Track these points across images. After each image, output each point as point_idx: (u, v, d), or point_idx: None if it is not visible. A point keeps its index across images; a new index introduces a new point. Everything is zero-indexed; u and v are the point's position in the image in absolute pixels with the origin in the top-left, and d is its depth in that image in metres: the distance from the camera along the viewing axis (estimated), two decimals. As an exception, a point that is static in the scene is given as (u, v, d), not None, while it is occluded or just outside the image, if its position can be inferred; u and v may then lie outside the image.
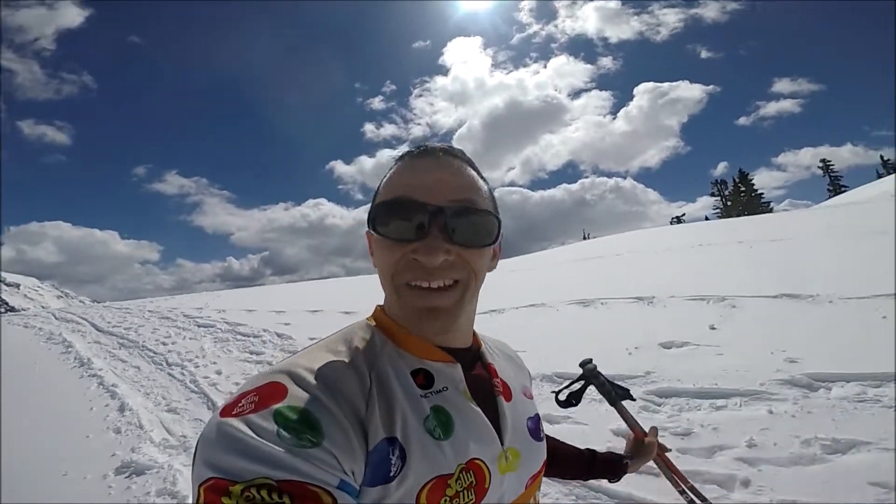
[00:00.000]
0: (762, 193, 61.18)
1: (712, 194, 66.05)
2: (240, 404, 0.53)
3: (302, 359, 0.62)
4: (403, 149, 0.76)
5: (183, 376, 5.61)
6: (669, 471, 1.29)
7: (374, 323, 0.74)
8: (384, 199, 0.66)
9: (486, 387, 0.74)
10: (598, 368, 1.30)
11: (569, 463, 1.09)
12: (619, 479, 1.15)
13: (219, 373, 5.58)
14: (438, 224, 0.63)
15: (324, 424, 0.52)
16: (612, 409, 1.27)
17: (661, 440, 1.27)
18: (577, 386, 1.28)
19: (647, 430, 1.27)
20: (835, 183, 60.60)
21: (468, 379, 0.71)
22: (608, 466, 1.13)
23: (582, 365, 1.30)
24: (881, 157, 64.23)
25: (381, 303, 0.77)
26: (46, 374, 6.50)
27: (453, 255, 0.64)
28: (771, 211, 51.72)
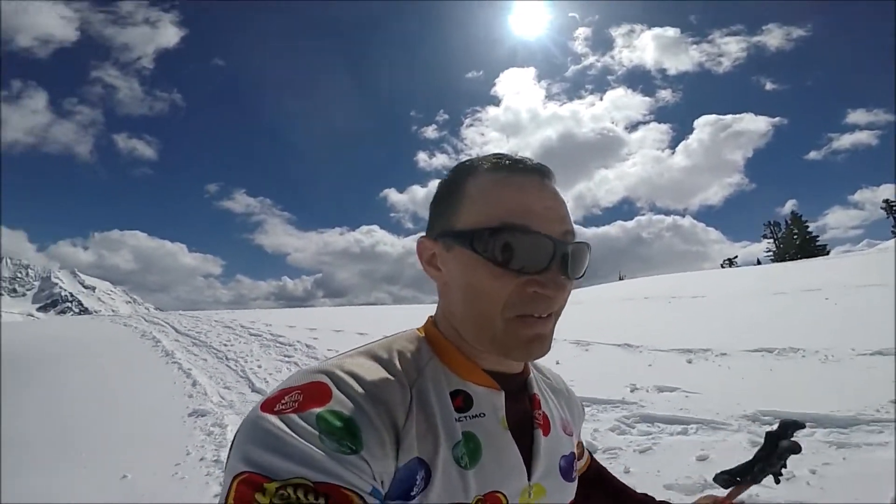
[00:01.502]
0: (817, 236, 58.55)
1: (764, 236, 63.52)
2: (282, 401, 0.53)
3: (347, 361, 0.61)
4: None
5: (236, 367, 7.85)
6: None
7: (423, 335, 0.71)
8: (494, 220, 0.61)
9: (525, 418, 0.72)
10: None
11: (619, 501, 0.98)
12: None
13: (260, 367, 7.77)
14: (560, 259, 0.62)
15: (363, 433, 0.52)
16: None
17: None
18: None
19: None
20: None
21: (509, 407, 0.68)
22: None
23: (785, 429, 0.96)
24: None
25: (435, 314, 0.73)
26: (144, 358, 8.96)
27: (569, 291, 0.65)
28: (827, 254, 49.28)
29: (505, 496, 0.63)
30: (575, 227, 0.68)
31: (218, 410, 5.67)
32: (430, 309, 0.75)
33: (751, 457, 0.95)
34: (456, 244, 0.65)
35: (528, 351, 0.63)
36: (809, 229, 58.64)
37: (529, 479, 0.67)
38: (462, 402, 0.65)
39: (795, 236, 58.83)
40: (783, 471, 0.95)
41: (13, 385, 7.32)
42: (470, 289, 0.64)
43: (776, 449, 0.93)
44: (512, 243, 0.61)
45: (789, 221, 60.84)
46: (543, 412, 0.75)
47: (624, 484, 1.01)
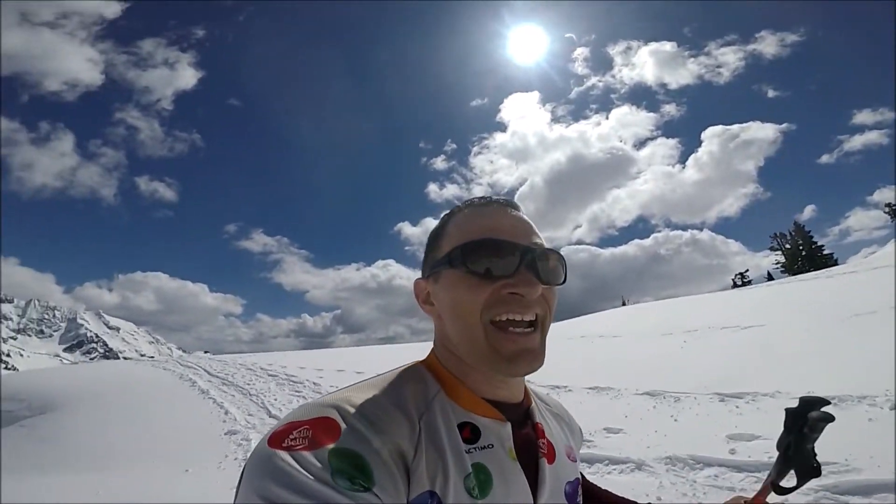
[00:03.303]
0: (822, 246, 56.74)
1: (772, 248, 60.51)
2: (291, 436, 0.55)
3: (354, 395, 0.63)
4: None
5: (257, 400, 10.13)
6: None
7: (426, 367, 0.75)
8: (470, 239, 0.71)
9: (531, 447, 0.74)
10: None
11: None
12: None
13: (276, 399, 10.02)
14: (527, 262, 0.69)
15: (375, 470, 0.54)
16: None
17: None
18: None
19: None
20: None
21: (515, 437, 0.71)
22: None
23: (808, 405, 0.86)
24: None
25: (434, 348, 0.78)
26: (184, 396, 11.34)
27: (540, 291, 0.69)
28: (836, 264, 47.08)
29: None
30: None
31: (244, 430, 7.97)
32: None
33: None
34: (441, 270, 0.73)
35: (514, 364, 0.67)
36: (815, 239, 57.47)
37: None
38: (470, 433, 0.67)
39: (801, 247, 57.53)
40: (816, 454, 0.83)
41: (100, 413, 9.73)
42: (454, 305, 0.70)
43: (806, 421, 0.84)
44: (483, 253, 0.69)
45: (793, 232, 59.02)
46: (548, 440, 0.77)
47: (617, 496, 1.01)
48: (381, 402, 0.63)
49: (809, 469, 0.86)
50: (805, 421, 0.86)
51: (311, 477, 0.50)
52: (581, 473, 0.94)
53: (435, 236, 0.79)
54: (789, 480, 0.88)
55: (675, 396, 6.61)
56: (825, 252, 56.73)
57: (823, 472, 1.11)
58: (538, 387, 1.12)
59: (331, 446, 0.54)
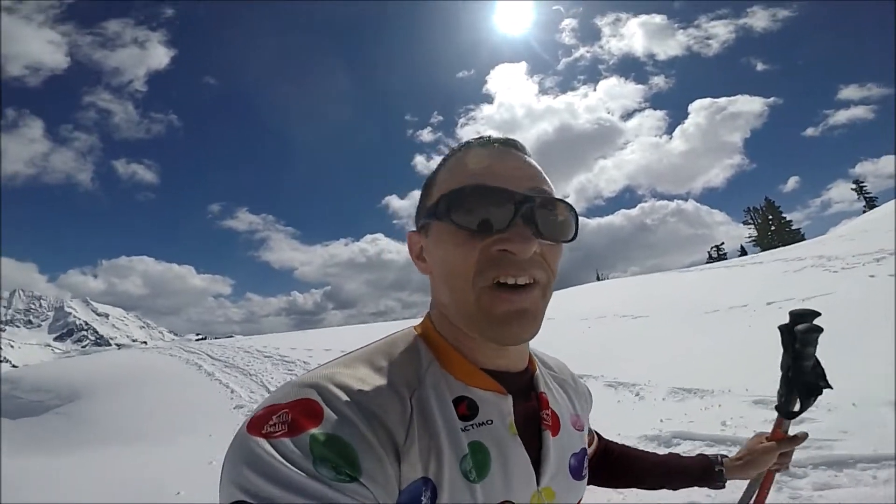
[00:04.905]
0: (790, 222, 59.48)
1: (745, 223, 62.84)
2: (270, 422, 0.51)
3: (339, 372, 0.57)
4: None
5: (256, 379, 11.95)
6: (758, 492, 0.95)
7: (421, 336, 0.67)
8: (456, 186, 0.61)
9: (533, 419, 0.68)
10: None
11: (643, 472, 0.98)
12: (721, 486, 0.97)
13: (272, 378, 11.82)
14: (524, 214, 0.58)
15: (361, 457, 0.49)
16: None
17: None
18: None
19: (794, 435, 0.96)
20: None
21: (516, 410, 0.65)
22: (695, 473, 0.97)
23: (798, 318, 0.86)
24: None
25: (430, 310, 0.70)
26: (192, 378, 13.14)
27: (539, 249, 0.60)
28: (803, 238, 49.37)
29: None
30: (581, 219, 0.64)
31: (249, 405, 9.80)
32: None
33: None
34: (431, 223, 0.63)
35: (506, 329, 0.58)
36: (784, 215, 59.65)
37: (538, 484, 0.63)
38: (466, 409, 0.60)
39: (771, 222, 59.57)
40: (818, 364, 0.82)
41: (124, 397, 11.52)
42: (444, 264, 0.62)
43: (797, 336, 0.83)
44: (470, 203, 0.58)
45: (763, 208, 60.96)
46: (552, 411, 0.71)
47: (639, 450, 0.99)
48: (368, 378, 0.57)
49: (812, 387, 0.83)
50: (795, 336, 0.83)
51: (291, 467, 0.46)
52: (596, 434, 0.95)
53: (428, 182, 0.69)
54: (795, 403, 0.85)
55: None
56: (793, 227, 58.61)
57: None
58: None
59: (312, 431, 0.49)
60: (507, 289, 0.58)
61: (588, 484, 0.84)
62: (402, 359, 0.63)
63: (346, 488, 0.47)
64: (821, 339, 0.86)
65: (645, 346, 8.26)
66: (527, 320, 0.59)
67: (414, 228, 0.72)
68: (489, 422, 0.62)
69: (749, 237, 62.57)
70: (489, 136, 0.68)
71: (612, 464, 0.99)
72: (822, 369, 0.86)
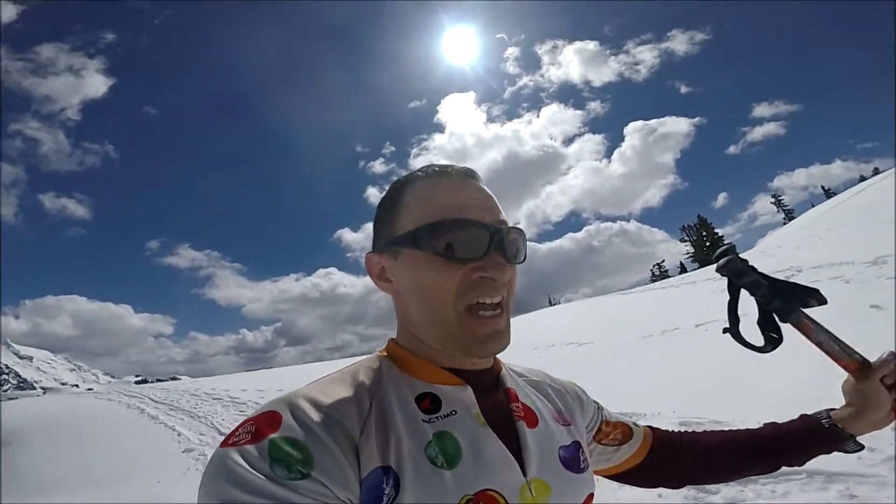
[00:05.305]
0: (722, 237, 63.72)
1: (681, 240, 66.51)
2: (237, 433, 0.55)
3: (305, 389, 0.62)
4: None
5: (205, 421, 11.57)
6: None
7: (384, 354, 0.73)
8: (432, 218, 0.66)
9: (503, 412, 0.70)
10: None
11: (736, 455, 0.88)
12: (847, 449, 0.83)
13: (223, 420, 11.49)
14: (496, 243, 0.66)
15: (314, 453, 0.53)
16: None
17: None
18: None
19: (869, 360, 0.80)
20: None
21: (483, 403, 0.68)
22: (803, 438, 0.84)
23: (723, 255, 0.89)
24: (875, 169, 61.12)
25: (394, 336, 0.75)
26: (135, 423, 12.54)
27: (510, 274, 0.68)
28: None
29: (501, 494, 0.60)
30: (532, 244, 0.70)
31: (199, 447, 9.49)
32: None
33: None
34: (402, 248, 0.68)
35: (485, 347, 0.66)
36: (717, 231, 63.73)
37: (525, 475, 0.64)
38: (430, 403, 0.64)
39: (705, 238, 63.17)
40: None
41: (58, 443, 10.84)
42: (422, 289, 0.67)
43: (733, 282, 0.86)
44: (451, 235, 0.65)
45: (697, 225, 64.79)
46: (523, 404, 0.73)
47: (712, 432, 0.92)
48: (331, 390, 0.62)
49: (785, 308, 0.81)
50: (732, 282, 0.85)
51: (250, 469, 0.50)
52: (649, 428, 0.91)
53: (389, 206, 0.73)
54: (776, 331, 0.83)
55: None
56: (725, 242, 61.50)
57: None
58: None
59: (271, 437, 0.53)
60: (484, 308, 0.66)
61: (650, 486, 0.93)
62: (365, 372, 0.68)
63: (300, 486, 0.50)
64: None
65: (589, 373, 8.65)
66: (500, 338, 0.67)
67: (371, 250, 0.76)
68: (453, 412, 0.65)
69: (686, 254, 66.20)
70: (447, 166, 0.73)
71: (678, 457, 0.90)
72: (782, 283, 0.85)
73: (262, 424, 0.55)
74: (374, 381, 0.66)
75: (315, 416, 0.57)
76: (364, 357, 0.74)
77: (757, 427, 0.90)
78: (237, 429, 0.57)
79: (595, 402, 0.92)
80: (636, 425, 0.92)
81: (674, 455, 0.91)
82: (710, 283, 15.62)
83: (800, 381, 4.95)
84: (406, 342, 0.72)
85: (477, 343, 0.66)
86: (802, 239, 19.84)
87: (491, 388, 0.73)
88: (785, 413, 0.95)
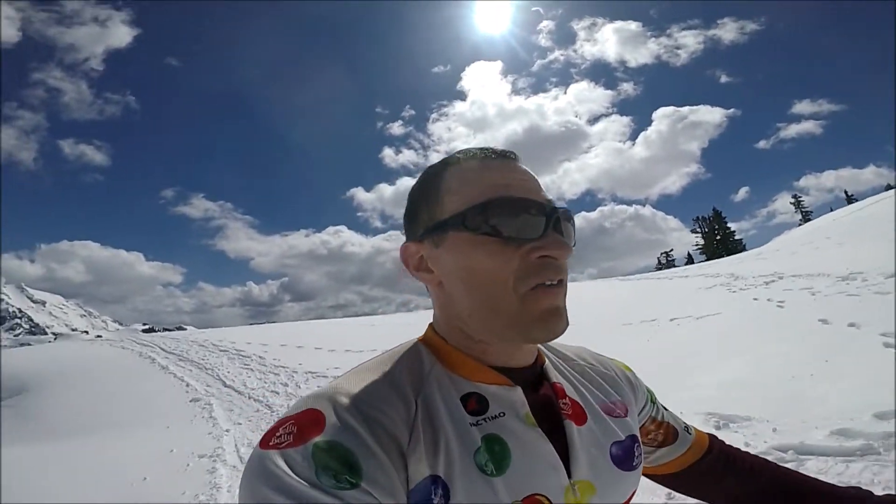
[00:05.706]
0: (734, 231, 63.54)
1: (693, 231, 66.66)
2: (277, 433, 0.53)
3: (345, 383, 0.59)
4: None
5: (212, 373, 12.18)
6: None
7: (423, 343, 0.68)
8: (483, 198, 0.61)
9: (551, 410, 0.66)
10: None
11: (782, 492, 0.78)
12: None
13: (228, 372, 12.07)
14: (554, 223, 0.62)
15: (363, 462, 0.50)
16: None
17: None
18: None
19: None
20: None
21: (531, 402, 0.64)
22: None
23: None
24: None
25: (432, 321, 0.70)
26: (146, 372, 13.26)
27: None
28: (744, 249, 52.61)
29: (547, 498, 0.57)
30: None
31: (205, 398, 10.12)
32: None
33: None
34: (448, 232, 0.63)
35: (547, 325, 0.60)
36: (729, 225, 63.64)
37: (570, 476, 0.60)
38: (476, 404, 0.60)
39: (717, 232, 63.12)
40: None
41: (75, 389, 11.57)
42: (473, 275, 0.61)
43: None
44: (505, 214, 0.60)
45: (711, 218, 64.61)
46: (571, 399, 0.69)
47: (776, 464, 0.83)
48: (372, 385, 0.58)
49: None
50: None
51: (295, 476, 0.48)
52: (710, 436, 0.85)
53: (426, 191, 0.68)
54: None
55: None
56: (737, 238, 62.28)
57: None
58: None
59: (315, 440, 0.50)
60: (545, 288, 0.60)
61: (682, 493, 0.83)
62: (405, 365, 0.63)
63: (347, 495, 0.47)
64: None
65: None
66: (562, 317, 0.62)
67: (406, 240, 0.70)
68: (501, 414, 0.61)
69: (696, 245, 66.11)
70: (489, 148, 0.69)
71: (727, 474, 0.82)
72: None
73: (303, 425, 0.53)
74: (417, 376, 0.63)
75: (360, 417, 0.54)
76: (402, 344, 0.69)
77: (808, 477, 0.80)
78: (277, 427, 0.54)
79: (648, 391, 0.86)
80: (688, 431, 0.85)
81: (720, 471, 0.82)
82: (699, 280, 15.76)
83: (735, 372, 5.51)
84: (449, 335, 0.67)
85: (540, 323, 0.60)
86: (802, 245, 19.82)
87: (538, 384, 0.68)
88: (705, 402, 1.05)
